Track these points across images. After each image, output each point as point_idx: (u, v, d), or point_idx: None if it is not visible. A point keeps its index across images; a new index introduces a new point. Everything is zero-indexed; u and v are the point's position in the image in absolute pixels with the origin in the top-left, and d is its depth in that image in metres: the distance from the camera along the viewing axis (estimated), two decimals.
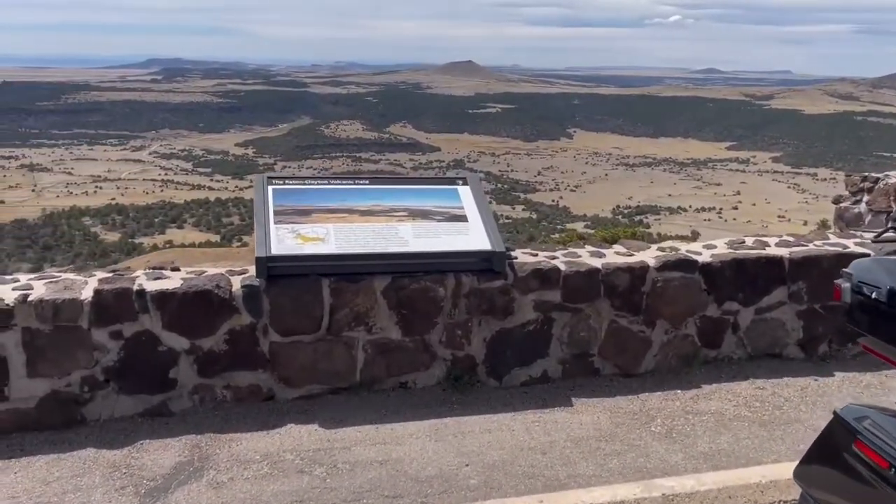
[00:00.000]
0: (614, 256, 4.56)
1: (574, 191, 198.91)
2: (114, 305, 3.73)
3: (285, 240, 3.95)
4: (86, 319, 3.70)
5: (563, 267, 4.31)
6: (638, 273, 4.41)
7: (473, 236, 4.21)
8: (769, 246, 4.87)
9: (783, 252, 4.74)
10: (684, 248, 4.74)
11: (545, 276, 4.26)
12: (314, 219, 4.11)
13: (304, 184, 4.36)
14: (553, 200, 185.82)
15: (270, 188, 4.25)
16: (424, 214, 4.28)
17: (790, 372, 4.62)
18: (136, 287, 3.79)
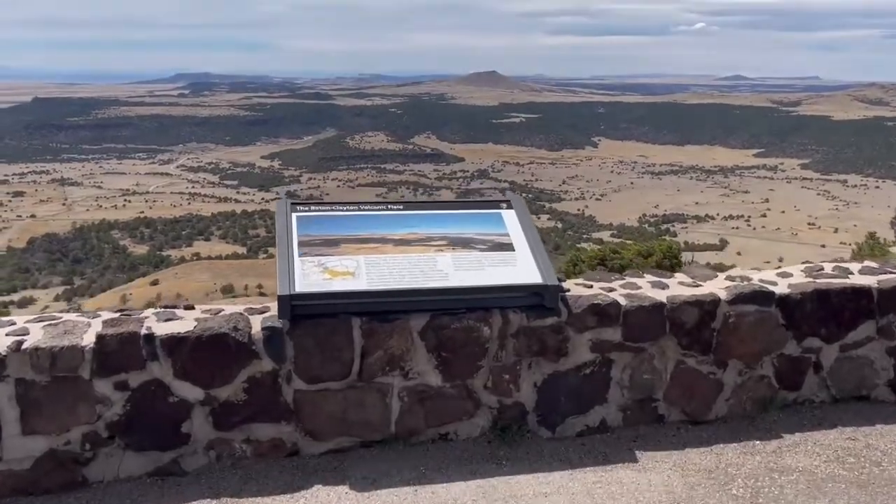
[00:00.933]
0: (679, 287, 4.05)
1: (599, 200, 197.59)
2: (119, 352, 3.30)
3: (311, 275, 3.50)
4: (87, 369, 3.28)
5: (623, 301, 3.80)
6: (708, 307, 3.90)
7: (521, 268, 3.73)
8: (852, 274, 4.32)
9: (870, 281, 4.19)
10: (756, 278, 4.21)
11: (603, 313, 3.76)
12: (343, 250, 3.66)
13: (332, 210, 3.91)
14: (579, 210, 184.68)
15: (294, 215, 3.81)
16: (465, 243, 3.81)
17: (882, 418, 4.06)
18: (143, 331, 3.35)
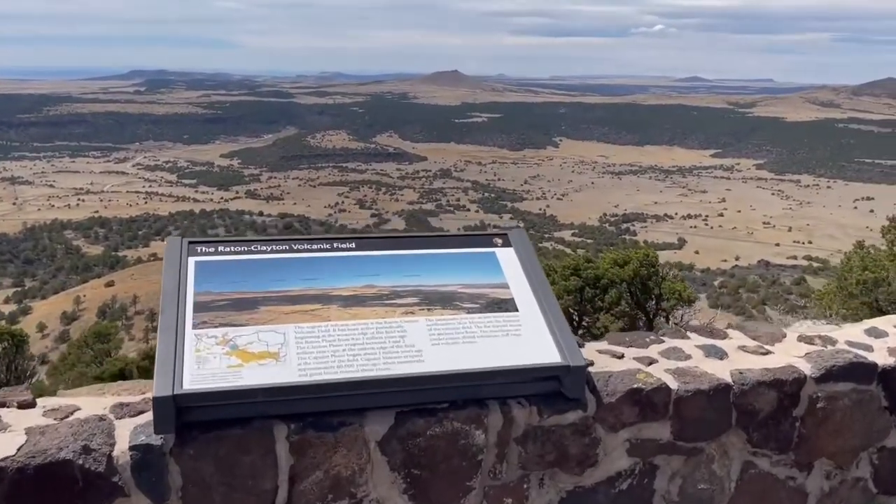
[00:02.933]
0: (741, 356, 2.90)
1: (561, 199, 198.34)
2: None
3: (210, 359, 2.25)
4: None
5: (674, 383, 2.63)
6: (789, 388, 2.75)
7: (529, 338, 2.53)
8: None
9: None
10: (842, 339, 3.08)
11: (647, 402, 2.58)
12: (262, 316, 2.41)
13: (249, 250, 2.65)
14: (540, 209, 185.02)
15: (192, 261, 2.56)
16: (447, 301, 2.60)
17: None
18: None
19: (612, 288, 14.84)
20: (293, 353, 2.31)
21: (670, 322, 16.89)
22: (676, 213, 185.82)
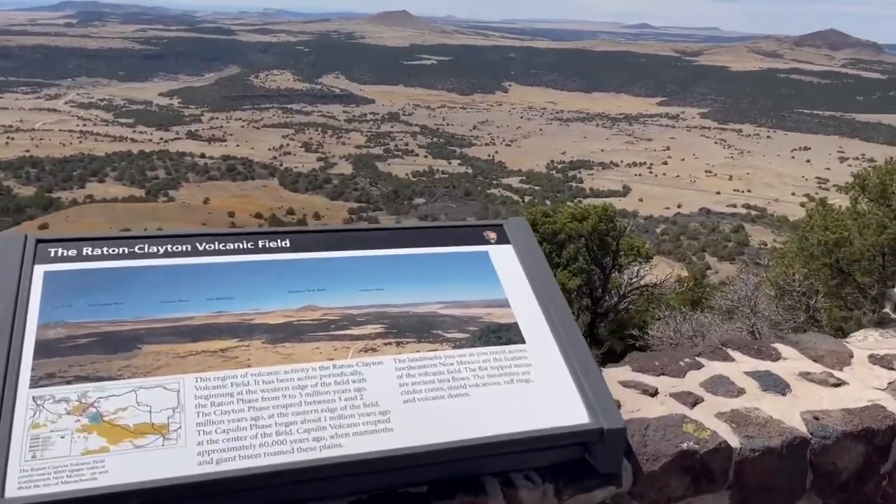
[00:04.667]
0: (808, 388, 2.19)
1: (510, 145, 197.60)
2: None
3: (54, 441, 1.42)
4: None
5: (734, 440, 1.91)
6: (881, 440, 2.05)
7: (542, 384, 1.75)
8: None
9: None
10: None
11: (701, 469, 1.86)
12: (144, 361, 1.57)
13: (130, 252, 1.79)
14: (489, 155, 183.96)
15: (40, 270, 1.69)
16: (424, 328, 1.79)
17: None
18: None
19: (570, 244, 14.25)
20: (191, 424, 1.49)
21: (625, 277, 16.47)
22: (622, 161, 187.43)
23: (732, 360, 2.32)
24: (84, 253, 1.75)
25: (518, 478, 1.70)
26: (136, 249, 1.78)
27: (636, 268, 16.57)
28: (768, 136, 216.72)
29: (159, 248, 1.80)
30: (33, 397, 1.46)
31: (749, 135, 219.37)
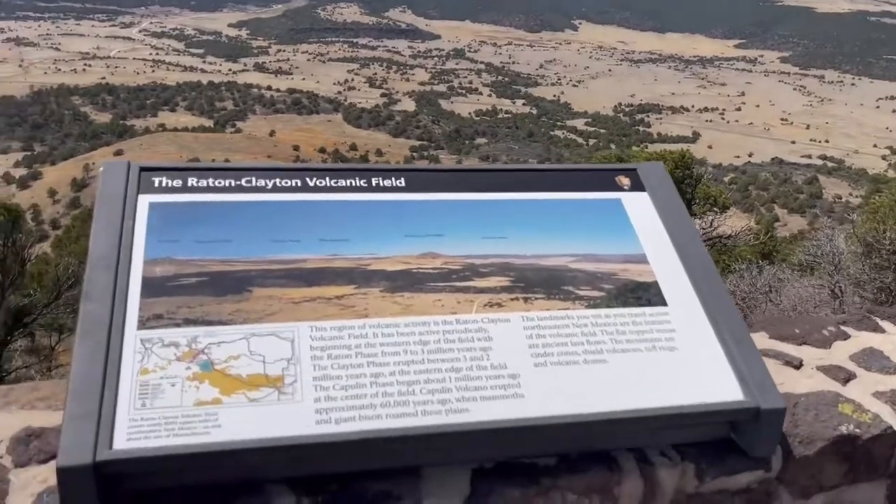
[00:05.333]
0: None
1: (576, 86, 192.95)
2: None
3: (165, 389, 1.31)
4: None
5: None
6: None
7: (687, 353, 1.54)
8: None
9: None
10: None
11: (863, 456, 1.65)
12: (256, 305, 1.44)
13: (238, 185, 1.63)
14: (554, 95, 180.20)
15: (146, 201, 1.55)
16: (554, 284, 1.60)
17: None
18: None
19: None
20: (307, 378, 1.35)
21: (698, 227, 15.93)
22: (693, 106, 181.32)
23: (883, 330, 2.08)
24: (189, 184, 1.61)
25: (654, 454, 1.53)
26: (244, 182, 1.64)
27: (710, 218, 16.02)
28: (852, 84, 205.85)
29: (267, 181, 1.65)
30: (141, 339, 1.35)
31: (831, 81, 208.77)
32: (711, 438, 1.55)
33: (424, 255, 1.59)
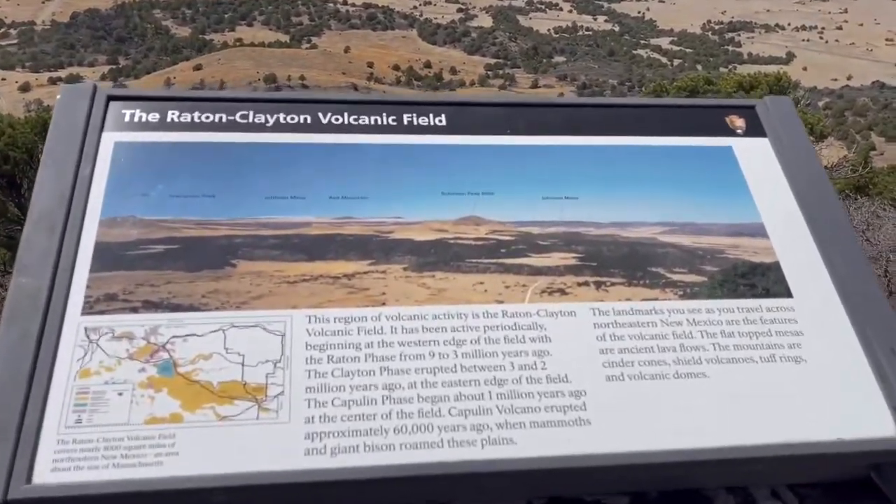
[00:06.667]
0: None
1: (663, 2, 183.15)
2: None
3: (108, 398, 0.99)
4: None
5: None
6: None
7: (818, 365, 1.14)
8: None
9: None
10: None
11: None
12: (239, 285, 1.10)
13: (230, 122, 1.26)
14: (639, 12, 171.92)
15: (109, 139, 1.21)
16: (638, 264, 1.21)
17: None
18: None
19: None
20: (298, 387, 1.02)
21: None
22: (789, 24, 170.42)
23: None
24: (169, 118, 1.26)
25: (763, 495, 1.14)
26: (238, 118, 1.27)
27: None
28: None
29: (269, 116, 1.28)
30: (85, 328, 1.03)
31: None
32: (844, 479, 1.15)
33: (465, 219, 1.21)
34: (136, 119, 1.24)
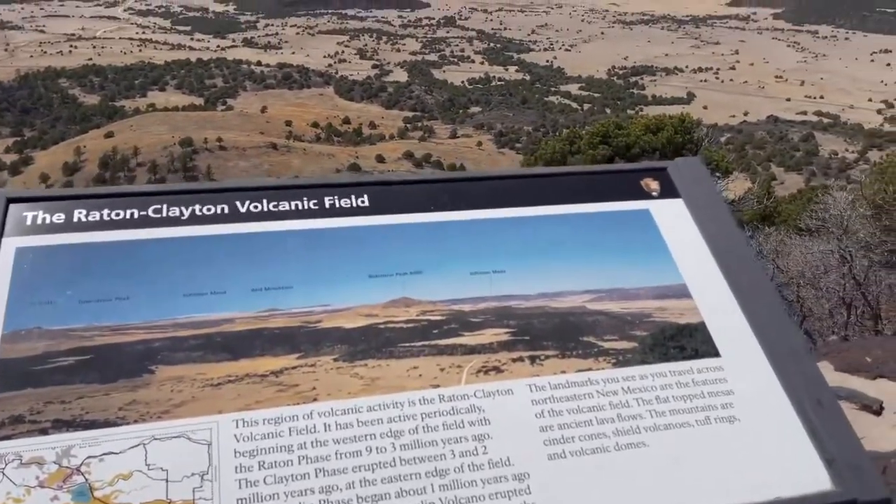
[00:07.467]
0: None
1: (569, 50, 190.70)
2: None
3: None
4: None
5: None
6: None
7: (751, 425, 1.13)
8: None
9: None
10: None
11: None
12: (157, 393, 1.04)
13: (143, 218, 1.21)
14: (547, 61, 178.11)
15: (10, 245, 1.14)
16: (570, 335, 1.21)
17: None
18: None
19: (644, 157, 13.34)
20: (229, 500, 0.95)
21: None
22: (687, 66, 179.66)
23: None
24: (76, 218, 1.20)
25: None
26: (151, 212, 1.22)
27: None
28: (846, 38, 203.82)
29: (183, 209, 1.23)
30: None
31: (825, 37, 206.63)
32: None
33: (395, 302, 1.19)
34: (38, 221, 1.18)
